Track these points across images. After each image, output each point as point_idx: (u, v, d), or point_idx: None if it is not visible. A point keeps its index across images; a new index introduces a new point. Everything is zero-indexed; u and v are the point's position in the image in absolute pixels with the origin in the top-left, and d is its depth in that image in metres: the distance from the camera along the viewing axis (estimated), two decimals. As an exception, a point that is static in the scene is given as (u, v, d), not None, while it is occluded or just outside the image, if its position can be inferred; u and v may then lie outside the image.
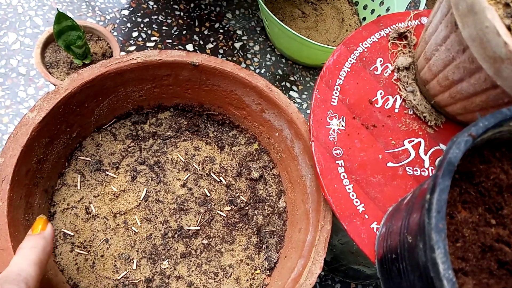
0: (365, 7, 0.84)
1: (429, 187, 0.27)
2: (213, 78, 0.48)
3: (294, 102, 0.76)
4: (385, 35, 0.47)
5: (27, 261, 0.31)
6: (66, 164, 0.46)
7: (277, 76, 0.78)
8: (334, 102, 0.44)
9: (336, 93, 0.44)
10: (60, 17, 0.52)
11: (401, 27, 0.48)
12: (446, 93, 0.40)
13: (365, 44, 0.47)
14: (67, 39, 0.55)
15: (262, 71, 0.77)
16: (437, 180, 0.26)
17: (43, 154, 0.42)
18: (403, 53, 0.47)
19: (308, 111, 0.76)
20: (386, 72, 0.46)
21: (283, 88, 0.77)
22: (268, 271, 0.47)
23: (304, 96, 0.77)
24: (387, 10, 0.77)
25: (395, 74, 0.46)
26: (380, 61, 0.46)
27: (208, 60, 0.46)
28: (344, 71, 0.45)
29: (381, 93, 0.45)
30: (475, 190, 0.32)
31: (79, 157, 0.47)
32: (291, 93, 0.77)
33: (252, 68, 0.77)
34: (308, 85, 0.78)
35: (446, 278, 0.24)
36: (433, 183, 0.27)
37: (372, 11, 0.81)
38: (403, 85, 0.45)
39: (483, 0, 0.31)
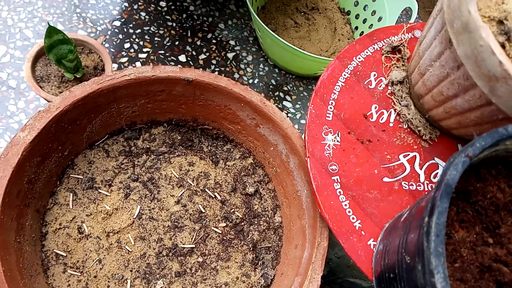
0: (357, 17, 0.84)
1: (427, 208, 0.27)
2: (207, 93, 0.48)
3: (288, 112, 0.76)
4: (378, 49, 0.47)
5: None
6: (58, 183, 0.45)
7: (271, 86, 0.77)
8: (329, 117, 0.44)
9: (331, 108, 0.44)
10: (51, 31, 0.51)
11: (394, 40, 0.48)
12: (441, 108, 0.40)
13: (359, 58, 0.47)
14: (58, 53, 0.54)
15: (255, 81, 0.77)
16: (436, 202, 0.26)
17: (35, 174, 0.41)
18: (397, 66, 0.47)
19: (302, 121, 0.76)
20: (380, 86, 0.46)
21: (277, 98, 0.76)
22: (264, 288, 0.46)
23: (297, 106, 0.77)
24: (379, 19, 0.77)
25: (389, 88, 0.46)
26: (374, 75, 0.46)
27: (202, 76, 0.46)
28: (339, 85, 0.45)
29: (375, 107, 0.45)
30: (472, 209, 0.32)
31: (71, 175, 0.46)
32: (284, 103, 0.77)
33: (245, 78, 0.77)
34: (301, 94, 0.78)
35: (446, 304, 0.24)
36: (431, 205, 0.27)
37: (364, 21, 0.81)
38: (397, 99, 0.45)
39: (477, 18, 0.31)
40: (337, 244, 0.50)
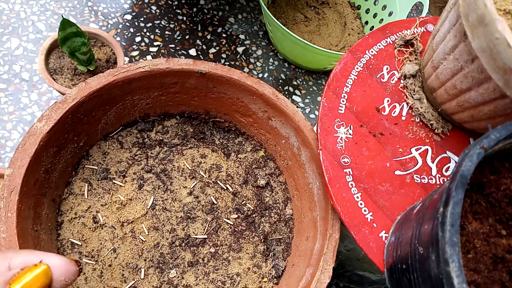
0: (367, 11, 0.84)
1: (442, 199, 0.27)
2: (219, 86, 0.48)
3: (297, 107, 0.76)
4: (391, 42, 0.48)
5: None
6: (73, 173, 0.46)
7: (280, 81, 0.78)
8: (341, 110, 0.44)
9: (343, 101, 0.44)
10: (65, 23, 0.52)
11: (407, 34, 0.48)
12: (454, 101, 0.40)
13: (372, 51, 0.47)
14: (72, 46, 0.55)
15: (265, 76, 0.77)
16: (451, 193, 0.26)
17: (51, 164, 0.42)
18: (410, 60, 0.47)
19: (311, 116, 0.76)
20: (392, 80, 0.46)
21: (286, 92, 0.77)
22: (275, 279, 0.47)
23: (307, 100, 0.77)
24: (390, 14, 0.77)
25: (402, 81, 0.46)
26: (387, 68, 0.46)
27: (215, 68, 0.46)
28: (351, 78, 0.45)
29: (388, 101, 0.45)
30: (486, 200, 0.32)
31: (86, 165, 0.47)
32: (294, 97, 0.77)
33: (255, 72, 0.77)
34: (310, 89, 0.78)
35: (461, 292, 0.24)
36: (446, 196, 0.27)
37: (375, 15, 0.81)
38: (410, 93, 0.45)
39: (493, 11, 0.31)
40: (347, 237, 0.51)
